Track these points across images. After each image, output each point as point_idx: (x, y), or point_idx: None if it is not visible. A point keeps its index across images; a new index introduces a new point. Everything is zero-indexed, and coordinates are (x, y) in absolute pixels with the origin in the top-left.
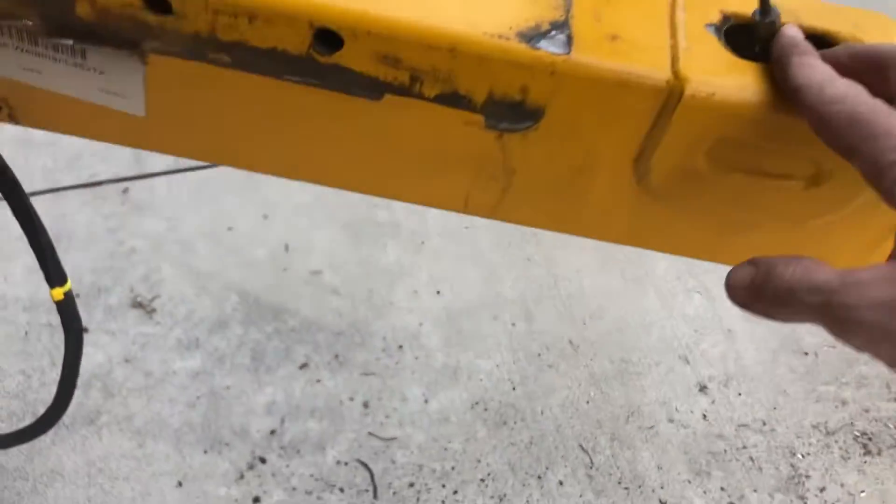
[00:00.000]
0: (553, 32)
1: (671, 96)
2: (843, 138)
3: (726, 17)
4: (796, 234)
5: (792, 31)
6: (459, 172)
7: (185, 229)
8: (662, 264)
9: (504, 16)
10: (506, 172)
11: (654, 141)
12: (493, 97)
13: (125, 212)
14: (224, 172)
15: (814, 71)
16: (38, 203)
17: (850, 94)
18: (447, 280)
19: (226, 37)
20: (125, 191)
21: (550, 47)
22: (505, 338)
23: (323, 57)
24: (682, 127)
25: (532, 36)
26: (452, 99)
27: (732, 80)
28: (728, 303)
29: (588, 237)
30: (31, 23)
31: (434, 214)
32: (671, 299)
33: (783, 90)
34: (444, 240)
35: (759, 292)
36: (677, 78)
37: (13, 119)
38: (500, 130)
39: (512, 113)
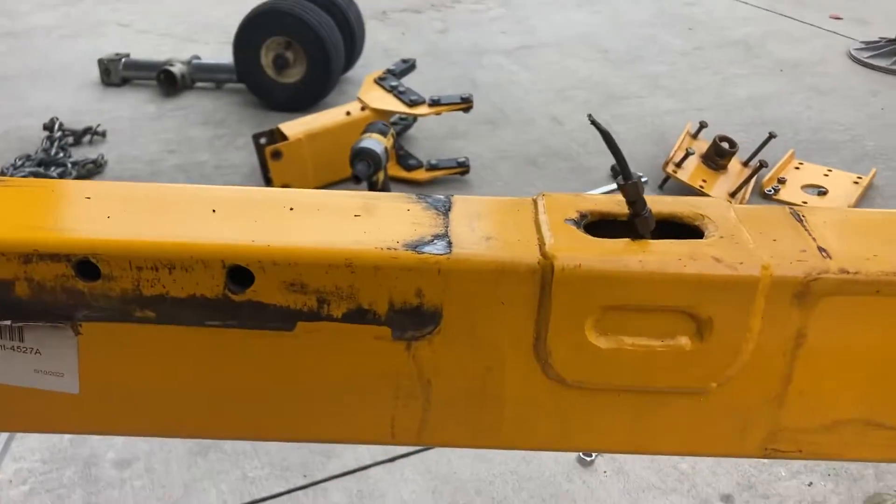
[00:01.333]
0: (435, 241)
1: (545, 275)
2: None
3: (583, 214)
4: (703, 406)
5: None
6: (379, 393)
7: None
8: None
9: (391, 234)
10: (422, 385)
11: (545, 321)
12: (394, 306)
13: None
14: None
15: None
16: None
17: None
18: None
19: (149, 291)
20: None
21: (434, 250)
22: None
23: (237, 295)
24: (564, 301)
25: (417, 245)
26: (358, 315)
27: (594, 254)
28: None
29: (515, 449)
30: None
31: None
32: None
33: None
34: None
35: None
36: (546, 258)
37: None
38: (407, 340)
39: (413, 319)
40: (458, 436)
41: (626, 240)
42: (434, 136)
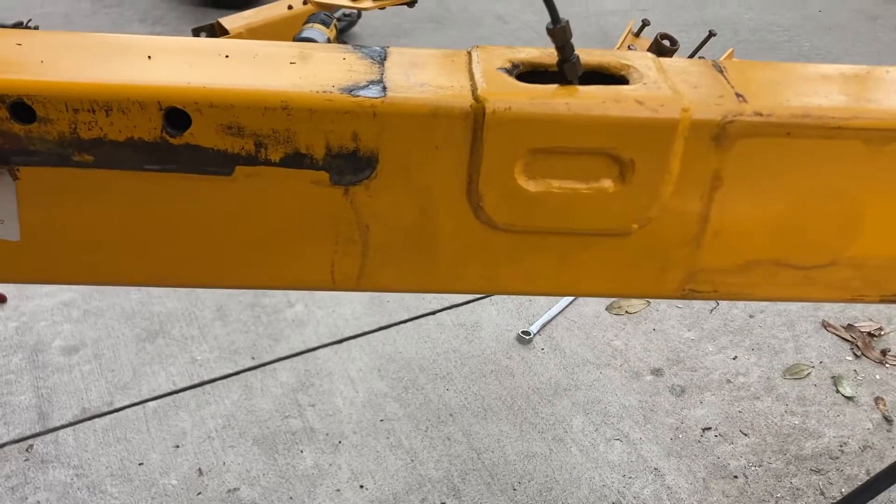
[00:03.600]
0: (370, 86)
1: (477, 118)
2: None
3: (515, 64)
4: (625, 247)
5: None
6: (319, 239)
7: (93, 474)
8: (578, 420)
9: (327, 79)
10: (361, 230)
11: (477, 165)
12: (331, 150)
13: (29, 468)
14: (133, 413)
15: None
16: None
17: None
18: (369, 473)
19: (87, 135)
20: (29, 448)
21: (369, 94)
22: None
23: (174, 138)
24: (495, 144)
25: (352, 89)
26: (296, 159)
27: (524, 97)
28: (650, 443)
29: (449, 292)
30: None
31: (347, 413)
32: (593, 451)
33: None
34: (361, 436)
35: None
36: (478, 101)
37: None
38: (344, 185)
39: (350, 163)
40: (396, 280)
41: (555, 85)
42: (378, 34)
